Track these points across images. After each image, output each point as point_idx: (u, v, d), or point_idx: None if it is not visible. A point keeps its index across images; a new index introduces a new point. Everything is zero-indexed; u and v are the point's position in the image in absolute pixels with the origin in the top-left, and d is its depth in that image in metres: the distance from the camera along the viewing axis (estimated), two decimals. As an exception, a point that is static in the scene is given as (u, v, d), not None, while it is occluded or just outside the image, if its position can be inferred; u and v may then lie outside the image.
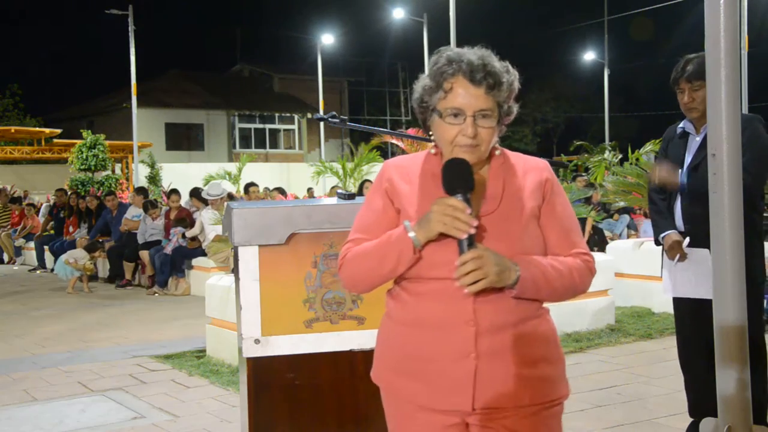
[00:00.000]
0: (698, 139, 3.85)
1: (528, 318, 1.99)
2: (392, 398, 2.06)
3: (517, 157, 2.09)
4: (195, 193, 12.24)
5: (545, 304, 2.07)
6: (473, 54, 1.97)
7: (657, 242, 4.02)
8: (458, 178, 1.90)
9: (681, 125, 3.94)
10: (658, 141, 12.40)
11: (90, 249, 11.58)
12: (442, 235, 1.89)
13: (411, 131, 21.93)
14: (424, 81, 2.03)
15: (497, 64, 1.98)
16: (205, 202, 11.34)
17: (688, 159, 3.87)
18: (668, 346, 6.29)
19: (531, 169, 2.06)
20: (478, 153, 1.97)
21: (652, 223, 4.09)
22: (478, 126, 1.94)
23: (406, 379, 2.00)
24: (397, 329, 2.04)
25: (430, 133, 2.06)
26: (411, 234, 1.92)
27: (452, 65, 1.95)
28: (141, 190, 13.45)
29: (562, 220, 2.04)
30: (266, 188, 14.91)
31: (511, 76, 2.00)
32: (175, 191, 12.22)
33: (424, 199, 1.98)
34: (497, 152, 2.05)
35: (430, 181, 2.01)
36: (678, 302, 3.99)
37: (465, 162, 1.92)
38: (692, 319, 3.92)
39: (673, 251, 3.83)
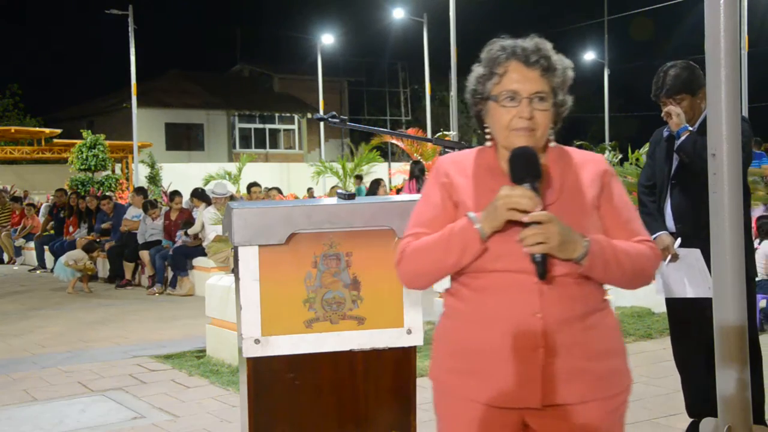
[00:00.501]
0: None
1: (594, 310, 1.97)
2: (447, 397, 2.03)
3: (572, 151, 2.07)
4: (196, 193, 12.26)
5: (608, 296, 2.05)
6: (526, 41, 1.99)
7: None
8: (526, 166, 1.90)
9: (667, 129, 3.96)
10: (657, 141, 12.39)
11: (88, 249, 11.59)
12: (507, 226, 1.88)
13: (411, 131, 21.96)
14: (476, 71, 2.02)
15: (551, 49, 1.99)
16: (207, 202, 11.35)
17: (675, 160, 3.88)
18: (668, 346, 6.24)
19: (588, 161, 2.05)
20: (534, 138, 1.96)
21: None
22: (534, 109, 1.94)
23: (466, 377, 1.97)
24: (457, 326, 2.03)
25: (485, 127, 2.04)
26: (477, 225, 1.90)
27: (506, 51, 1.96)
28: (140, 191, 13.46)
29: (622, 209, 2.03)
30: (265, 188, 14.92)
31: (564, 63, 2.00)
32: (177, 193, 12.24)
33: (482, 192, 1.97)
34: (552, 144, 2.04)
35: (485, 173, 2.01)
36: (671, 303, 4.01)
37: (531, 150, 1.92)
38: (686, 318, 3.94)
39: (665, 253, 3.84)
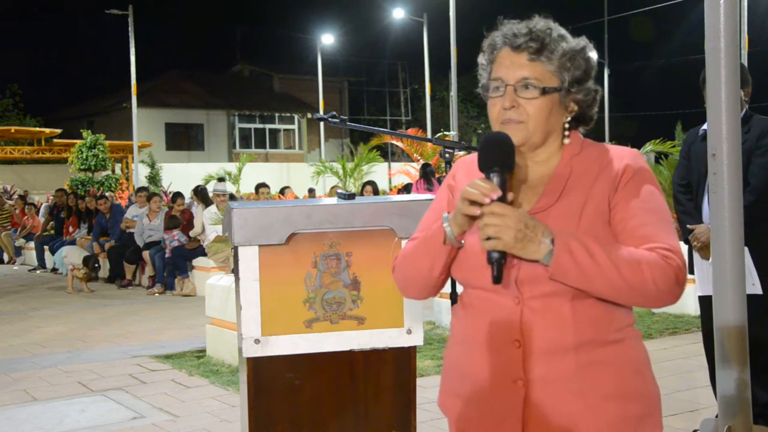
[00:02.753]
0: None
1: (597, 342, 1.65)
2: (450, 422, 1.85)
3: (600, 148, 1.77)
4: (197, 190, 12.28)
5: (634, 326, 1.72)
6: (523, 22, 1.75)
7: (686, 241, 4.07)
8: (493, 153, 1.64)
9: (704, 127, 3.99)
10: (658, 141, 12.42)
11: (85, 261, 11.65)
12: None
13: (411, 131, 21.97)
14: (480, 61, 1.81)
15: (553, 30, 1.73)
16: (207, 202, 11.37)
17: None
18: (668, 346, 6.28)
19: (612, 160, 1.73)
20: (524, 131, 1.70)
21: (679, 224, 4.15)
22: (519, 97, 1.69)
23: (460, 403, 1.78)
24: (450, 345, 1.84)
25: None
26: (445, 224, 1.69)
27: (501, 36, 1.75)
28: (143, 190, 13.49)
29: (635, 212, 1.66)
30: (284, 187, 15.07)
31: (570, 44, 1.73)
32: (180, 195, 12.26)
33: None
34: (566, 140, 1.77)
35: None
36: (706, 300, 4.03)
37: (504, 137, 1.66)
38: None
39: (705, 250, 3.91)
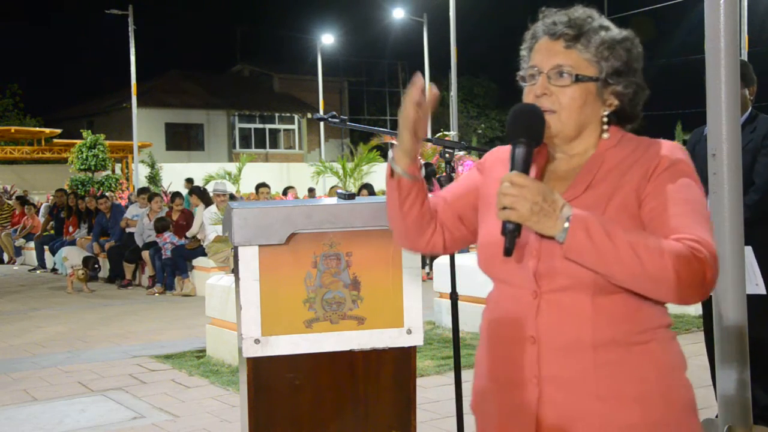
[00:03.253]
0: None
1: (619, 341, 1.57)
2: (476, 423, 1.80)
3: (638, 141, 1.68)
4: (196, 190, 12.29)
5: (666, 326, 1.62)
6: (566, 11, 1.69)
7: None
8: (521, 123, 1.60)
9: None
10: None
11: (85, 262, 11.64)
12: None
13: (411, 131, 21.92)
14: (521, 52, 1.76)
15: (594, 20, 1.67)
16: (206, 201, 11.36)
17: None
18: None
19: (648, 151, 1.65)
20: (557, 122, 1.64)
21: None
22: (552, 85, 1.63)
23: (482, 401, 1.75)
24: (479, 344, 1.79)
25: None
26: (389, 155, 1.73)
27: (541, 25, 1.70)
28: (144, 191, 13.49)
29: (669, 202, 1.56)
30: (287, 187, 15.10)
31: (611, 33, 1.65)
32: (178, 194, 12.27)
33: (495, 177, 1.68)
34: (605, 135, 1.68)
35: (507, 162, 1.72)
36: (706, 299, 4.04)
37: (534, 108, 1.62)
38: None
39: None
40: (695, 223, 1.52)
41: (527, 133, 1.58)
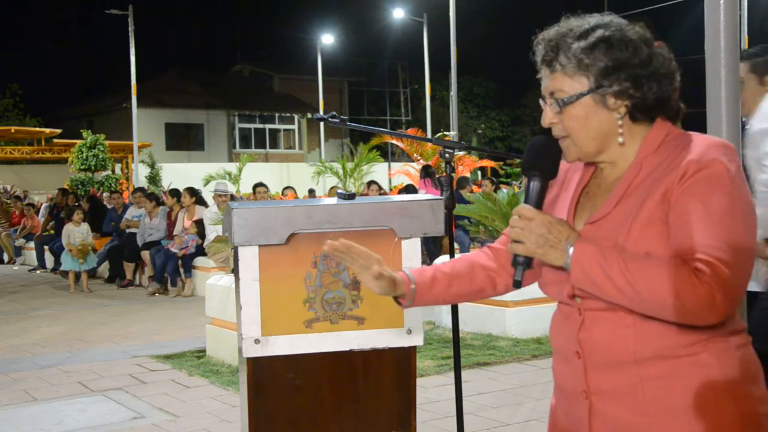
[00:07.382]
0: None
1: (664, 354, 1.55)
2: (550, 423, 1.86)
3: (681, 141, 1.60)
4: (192, 191, 12.26)
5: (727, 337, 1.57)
6: (550, 29, 1.68)
7: None
8: (534, 158, 1.66)
9: None
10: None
11: (69, 213, 11.66)
12: None
13: (411, 131, 21.98)
14: None
15: (574, 30, 1.62)
16: (199, 202, 11.39)
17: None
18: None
19: (685, 153, 1.55)
20: (572, 146, 1.64)
21: None
22: (553, 112, 1.65)
23: (557, 407, 1.80)
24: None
25: None
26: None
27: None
28: (139, 191, 13.49)
29: (688, 215, 1.49)
30: (287, 188, 15.13)
31: (581, 42, 1.59)
32: (176, 192, 12.24)
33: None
34: (621, 139, 1.63)
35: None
36: None
37: (547, 142, 1.66)
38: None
39: None
40: (712, 240, 1.46)
41: (540, 167, 1.64)
